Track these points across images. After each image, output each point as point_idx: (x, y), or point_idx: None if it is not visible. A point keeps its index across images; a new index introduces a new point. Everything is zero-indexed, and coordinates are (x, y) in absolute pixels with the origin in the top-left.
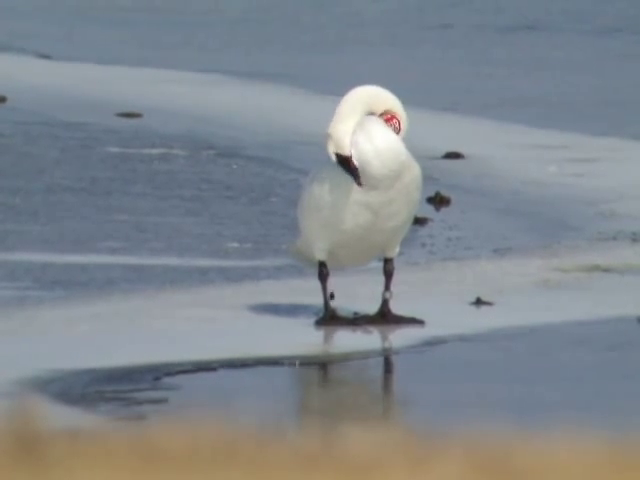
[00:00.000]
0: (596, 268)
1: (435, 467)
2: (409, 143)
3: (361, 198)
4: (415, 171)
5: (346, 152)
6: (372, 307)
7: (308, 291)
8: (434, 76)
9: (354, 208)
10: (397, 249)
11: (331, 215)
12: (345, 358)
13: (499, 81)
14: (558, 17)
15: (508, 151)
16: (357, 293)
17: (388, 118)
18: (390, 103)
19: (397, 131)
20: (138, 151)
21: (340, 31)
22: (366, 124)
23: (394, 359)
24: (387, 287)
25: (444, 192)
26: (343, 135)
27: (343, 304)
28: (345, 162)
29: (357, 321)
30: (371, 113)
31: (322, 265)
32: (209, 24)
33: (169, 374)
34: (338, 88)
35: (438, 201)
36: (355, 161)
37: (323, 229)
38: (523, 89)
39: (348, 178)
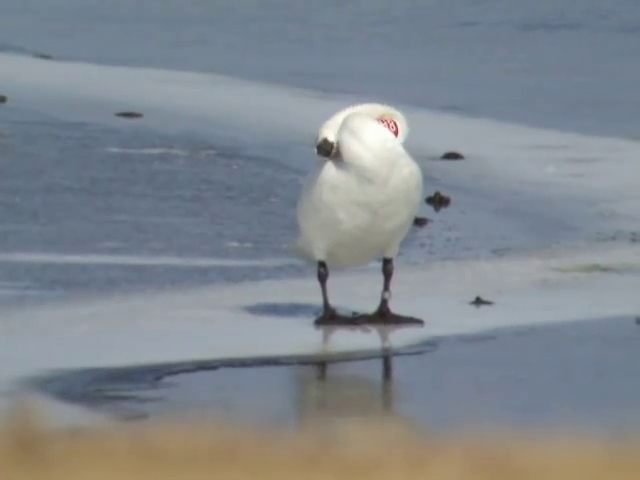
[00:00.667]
0: (595, 268)
1: (435, 467)
2: (408, 143)
3: (360, 198)
4: (413, 166)
5: (320, 137)
6: (371, 307)
7: (308, 291)
8: (435, 76)
9: (353, 209)
10: (397, 249)
11: (330, 216)
12: (344, 358)
13: (500, 81)
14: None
15: (507, 151)
16: (356, 293)
17: (383, 120)
18: (380, 110)
19: (395, 133)
20: (138, 151)
21: (349, 30)
22: (348, 123)
23: (393, 359)
24: (386, 287)
25: (443, 192)
26: (321, 129)
27: (342, 304)
28: (321, 147)
29: (356, 321)
30: None
31: (321, 265)
32: (209, 24)
33: (169, 374)
34: (339, 88)
35: (437, 201)
36: (334, 144)
37: (322, 230)
38: (524, 89)
39: (347, 179)
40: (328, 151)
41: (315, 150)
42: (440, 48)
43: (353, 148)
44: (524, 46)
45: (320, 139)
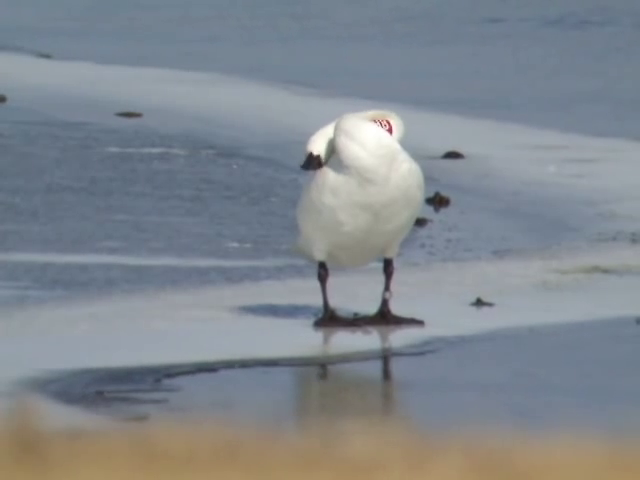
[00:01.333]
0: (595, 269)
1: (435, 467)
2: (409, 142)
3: (362, 199)
4: (412, 164)
5: (307, 150)
6: (372, 308)
7: (308, 292)
8: (435, 75)
9: (354, 210)
10: (397, 250)
11: (331, 218)
12: (344, 359)
13: (501, 80)
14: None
15: (508, 151)
16: (357, 293)
17: (375, 120)
18: (371, 114)
19: (389, 131)
20: (138, 151)
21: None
22: (341, 125)
23: (394, 360)
24: (387, 287)
25: (443, 192)
26: (307, 144)
27: (343, 304)
28: (306, 162)
29: (357, 322)
30: None
31: (321, 266)
32: (209, 23)
33: (169, 375)
34: (339, 88)
35: (438, 201)
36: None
37: (322, 231)
38: (526, 88)
39: (348, 181)
40: (314, 165)
41: (302, 167)
42: (446, 47)
43: (350, 149)
44: (535, 45)
45: (306, 154)
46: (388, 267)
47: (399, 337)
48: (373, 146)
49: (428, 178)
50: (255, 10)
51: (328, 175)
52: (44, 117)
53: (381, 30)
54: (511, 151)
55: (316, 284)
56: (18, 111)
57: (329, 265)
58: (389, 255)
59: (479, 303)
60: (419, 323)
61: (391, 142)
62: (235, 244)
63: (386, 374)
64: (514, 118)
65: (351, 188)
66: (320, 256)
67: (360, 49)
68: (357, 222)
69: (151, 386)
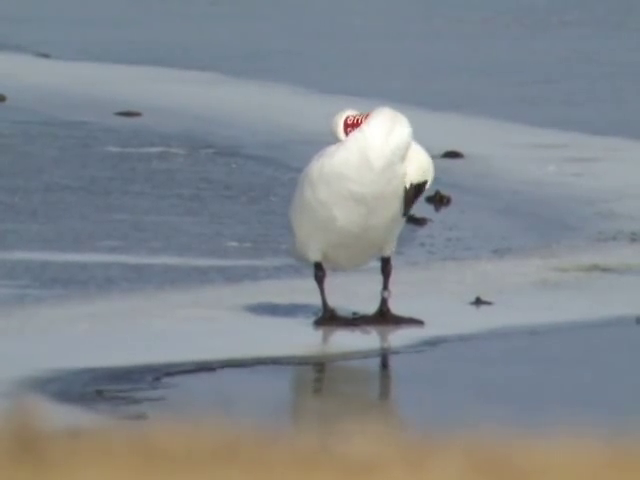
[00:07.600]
0: (595, 268)
1: (435, 467)
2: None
3: (355, 190)
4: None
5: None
6: (371, 307)
7: (307, 291)
8: (434, 74)
9: (348, 203)
10: (394, 247)
11: (325, 213)
12: (344, 358)
13: (500, 80)
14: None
15: (508, 151)
16: (356, 293)
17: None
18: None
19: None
20: (137, 150)
21: (353, 29)
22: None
23: (393, 359)
24: (385, 286)
25: (443, 191)
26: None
27: (342, 304)
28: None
29: (356, 321)
30: None
31: (317, 267)
32: (208, 22)
33: (169, 374)
34: (338, 87)
35: (438, 200)
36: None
37: (318, 230)
38: (523, 88)
39: (340, 175)
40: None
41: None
42: (444, 46)
43: (371, 138)
44: (530, 42)
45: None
46: (386, 266)
47: (398, 336)
48: (393, 141)
49: None
50: (255, 10)
51: (321, 170)
52: (43, 116)
53: (380, 29)
54: (511, 150)
55: (315, 284)
56: (17, 110)
57: (328, 268)
58: (386, 253)
59: (479, 302)
60: (419, 323)
61: (401, 150)
62: (234, 243)
63: (385, 373)
64: (514, 117)
65: (345, 183)
66: (315, 257)
67: (360, 48)
68: (351, 216)
69: (150, 385)
